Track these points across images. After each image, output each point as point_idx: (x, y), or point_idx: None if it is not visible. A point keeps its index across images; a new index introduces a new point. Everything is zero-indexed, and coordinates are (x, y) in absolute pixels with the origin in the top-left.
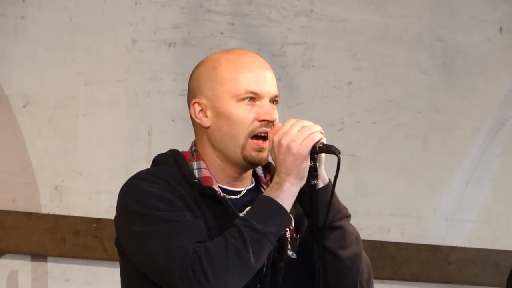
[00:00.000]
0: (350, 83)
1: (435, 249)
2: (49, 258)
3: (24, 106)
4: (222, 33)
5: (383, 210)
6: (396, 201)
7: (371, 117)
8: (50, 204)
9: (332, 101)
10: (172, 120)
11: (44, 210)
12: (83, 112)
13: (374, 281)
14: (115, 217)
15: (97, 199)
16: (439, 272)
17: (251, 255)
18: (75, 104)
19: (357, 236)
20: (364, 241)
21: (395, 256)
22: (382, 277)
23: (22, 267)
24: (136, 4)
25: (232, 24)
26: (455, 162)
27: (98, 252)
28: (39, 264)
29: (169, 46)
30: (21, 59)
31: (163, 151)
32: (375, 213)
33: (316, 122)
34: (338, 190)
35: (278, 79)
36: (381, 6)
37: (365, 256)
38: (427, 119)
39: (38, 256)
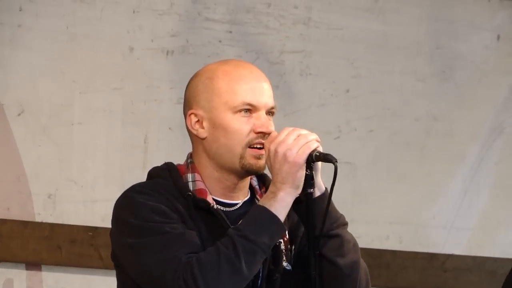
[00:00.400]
0: (347, 91)
1: (431, 257)
2: (43, 267)
3: (19, 115)
4: (220, 41)
5: (381, 218)
6: (394, 209)
7: (368, 125)
8: (43, 212)
9: (330, 109)
10: (169, 128)
11: (38, 219)
12: (78, 120)
13: None
14: (111, 230)
15: (91, 207)
16: (435, 280)
17: (243, 265)
18: (70, 112)
19: (355, 244)
20: (361, 249)
21: (391, 264)
22: (378, 285)
23: (17, 275)
24: (134, 12)
25: (230, 32)
26: (453, 169)
27: (94, 260)
28: (34, 273)
29: (167, 54)
30: (17, 67)
31: (160, 159)
32: (373, 221)
33: (313, 130)
34: (335, 198)
35: (276, 87)
36: (379, 14)
37: (363, 263)
38: (425, 127)
39: (34, 264)
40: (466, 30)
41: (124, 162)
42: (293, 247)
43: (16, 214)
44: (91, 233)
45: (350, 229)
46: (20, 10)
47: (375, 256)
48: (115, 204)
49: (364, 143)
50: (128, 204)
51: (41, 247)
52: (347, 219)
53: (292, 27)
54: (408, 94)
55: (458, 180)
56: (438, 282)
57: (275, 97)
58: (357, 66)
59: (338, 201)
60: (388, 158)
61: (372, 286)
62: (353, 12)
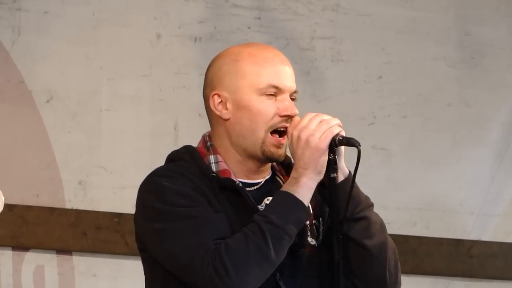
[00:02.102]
0: (380, 77)
1: (457, 243)
2: (74, 253)
3: (48, 101)
4: (249, 28)
5: (411, 204)
6: (424, 195)
7: (401, 111)
8: (74, 199)
9: (363, 95)
10: (199, 115)
11: (68, 205)
12: (107, 107)
13: None
14: (135, 215)
15: (121, 194)
16: (461, 266)
17: (272, 250)
18: (99, 99)
19: (382, 224)
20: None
21: (417, 250)
22: (404, 271)
23: (48, 262)
24: None
25: (259, 18)
26: (482, 155)
27: (120, 247)
28: (64, 259)
29: (195, 41)
30: (44, 54)
31: (190, 144)
32: (403, 207)
33: (347, 116)
34: (369, 184)
35: (307, 73)
36: (407, 1)
37: (391, 242)
38: (457, 113)
39: (63, 251)
40: (494, 16)
41: (154, 149)
42: (320, 223)
43: (45, 200)
44: (116, 220)
45: (381, 215)
46: None
47: (401, 242)
48: (139, 189)
49: (398, 129)
50: (153, 188)
51: (68, 234)
52: (380, 205)
53: (321, 13)
54: (440, 80)
55: (486, 166)
56: (464, 268)
57: (307, 82)
58: (388, 52)
59: (372, 187)
60: (421, 144)
61: None
62: None
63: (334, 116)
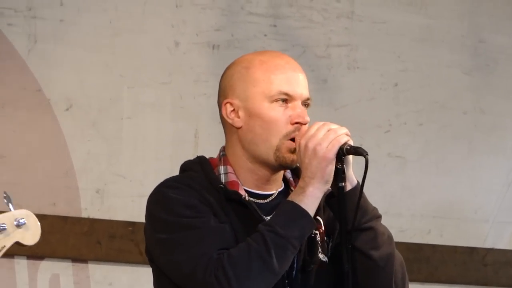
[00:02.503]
0: (396, 85)
1: (471, 251)
2: (89, 262)
3: (67, 109)
4: (265, 35)
5: (425, 212)
6: (438, 202)
7: (418, 118)
8: (90, 207)
9: (379, 102)
10: (219, 122)
11: (84, 214)
12: (127, 115)
13: (410, 283)
14: (144, 226)
15: (139, 202)
16: (475, 274)
17: (274, 260)
18: (119, 106)
19: (389, 236)
20: (402, 243)
21: (431, 258)
22: (418, 280)
23: (63, 270)
24: (176, 6)
25: (275, 26)
26: (497, 163)
27: (134, 255)
28: (80, 268)
29: (213, 48)
30: (61, 62)
31: (210, 153)
32: (418, 215)
33: (363, 123)
34: (384, 192)
35: (324, 80)
36: (421, 8)
37: (398, 255)
38: (472, 120)
39: (78, 259)
40: (508, 23)
41: (174, 157)
42: (330, 239)
43: (62, 209)
44: (131, 228)
45: (396, 223)
46: (61, 5)
47: (415, 250)
48: (147, 200)
49: (413, 137)
50: (160, 199)
51: (81, 243)
52: (394, 212)
53: (336, 21)
54: (455, 88)
55: (503, 174)
56: (478, 276)
57: (324, 90)
58: (403, 59)
59: (387, 195)
60: (436, 152)
61: (411, 281)
62: (395, 6)
63: (350, 124)
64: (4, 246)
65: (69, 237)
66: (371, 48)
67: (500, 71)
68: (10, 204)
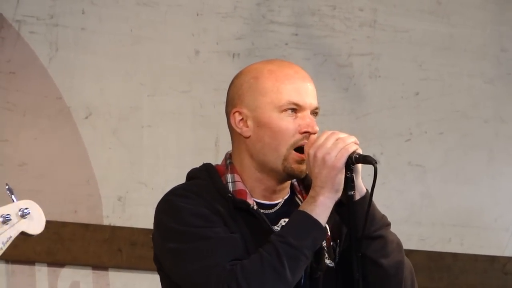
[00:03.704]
0: (417, 93)
1: (492, 260)
2: (110, 269)
3: (86, 117)
4: (286, 44)
5: (446, 220)
6: (458, 211)
7: (438, 127)
8: (112, 215)
9: (400, 111)
10: None
11: (106, 222)
12: (148, 123)
13: None
14: (153, 234)
15: None
16: (496, 282)
17: (287, 271)
18: (139, 115)
19: (399, 243)
20: (423, 251)
21: (452, 267)
22: None
23: (84, 278)
24: (197, 15)
25: (296, 35)
26: None
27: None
28: (100, 275)
29: (233, 57)
30: (82, 70)
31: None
32: (438, 223)
33: (384, 132)
34: (404, 200)
35: (346, 89)
36: (443, 17)
37: (407, 262)
38: (493, 129)
39: (98, 267)
40: None
41: (195, 165)
42: (337, 244)
43: (83, 217)
44: (151, 236)
45: (416, 231)
46: (82, 13)
47: (436, 258)
48: (156, 208)
49: (434, 145)
50: (169, 208)
51: (102, 250)
52: (415, 221)
53: (358, 30)
54: (476, 96)
55: None
56: (499, 284)
57: (346, 99)
58: (425, 68)
59: (407, 203)
60: (457, 160)
61: None
62: (418, 15)
63: (371, 132)
64: (11, 236)
65: (90, 245)
66: (393, 57)
67: None
68: (13, 195)
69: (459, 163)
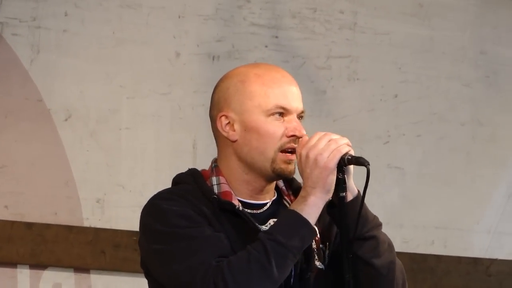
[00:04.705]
0: (396, 96)
1: (476, 262)
2: (91, 271)
3: (66, 120)
4: (266, 46)
5: (427, 223)
6: (440, 213)
7: (416, 130)
8: (92, 217)
9: (379, 114)
10: None
11: (86, 224)
12: (126, 126)
13: None
14: (139, 239)
15: (139, 212)
16: (479, 285)
17: (274, 268)
18: (118, 117)
19: (390, 244)
20: (406, 253)
21: (435, 269)
22: None
23: (65, 280)
24: (179, 17)
25: (276, 37)
26: (498, 174)
27: (138, 265)
28: (82, 277)
29: (213, 59)
30: (63, 73)
31: (209, 163)
32: (420, 226)
33: (363, 135)
34: (384, 203)
35: (324, 92)
36: (424, 19)
37: (398, 262)
38: (471, 132)
39: (80, 269)
40: (510, 35)
41: (173, 167)
42: (327, 246)
43: (63, 219)
44: (135, 238)
45: (398, 234)
46: (65, 15)
47: (420, 260)
48: (141, 212)
49: (412, 148)
50: (154, 211)
51: (86, 252)
52: (396, 223)
53: (338, 32)
54: (454, 99)
55: (502, 185)
56: (483, 286)
57: (323, 101)
58: (404, 71)
59: (387, 205)
60: (435, 163)
61: None
62: (399, 17)
63: (350, 135)
64: None
65: (74, 247)
66: (372, 60)
67: (500, 83)
68: None
69: (437, 166)
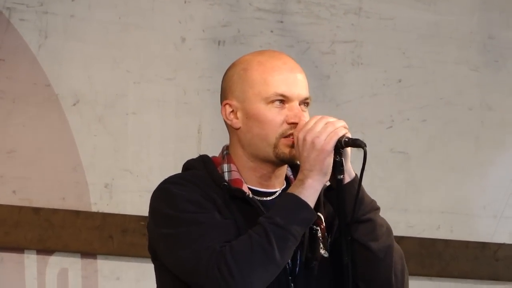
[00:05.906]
0: (399, 81)
1: (483, 246)
2: (98, 256)
3: (74, 105)
4: (271, 31)
5: (433, 207)
6: (446, 198)
7: (421, 114)
8: (100, 202)
9: (382, 98)
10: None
11: (94, 209)
12: (133, 110)
13: (422, 278)
14: (147, 223)
15: (147, 197)
16: (487, 269)
17: (276, 251)
18: (125, 102)
19: (388, 228)
20: (413, 238)
21: (443, 254)
22: (430, 274)
23: (72, 265)
24: (185, 2)
25: (282, 22)
26: (504, 159)
27: (145, 250)
28: (89, 262)
29: (218, 44)
30: (71, 58)
31: (214, 148)
32: (426, 210)
33: (365, 119)
34: (388, 187)
35: (327, 77)
36: (430, 4)
37: (397, 247)
38: (479, 117)
39: (87, 254)
40: None
41: (178, 152)
42: (330, 235)
43: (71, 204)
44: (143, 223)
45: (403, 218)
46: (72, 1)
47: (427, 245)
48: (151, 196)
49: (417, 133)
50: (163, 195)
51: (93, 237)
52: (400, 208)
53: (343, 17)
54: (461, 84)
55: (509, 170)
56: (490, 271)
57: (327, 86)
58: (409, 56)
59: (391, 191)
60: (441, 148)
61: (424, 276)
62: (404, 2)
63: (352, 119)
64: None
65: (82, 232)
66: (376, 45)
67: (509, 67)
68: None
69: (444, 151)
